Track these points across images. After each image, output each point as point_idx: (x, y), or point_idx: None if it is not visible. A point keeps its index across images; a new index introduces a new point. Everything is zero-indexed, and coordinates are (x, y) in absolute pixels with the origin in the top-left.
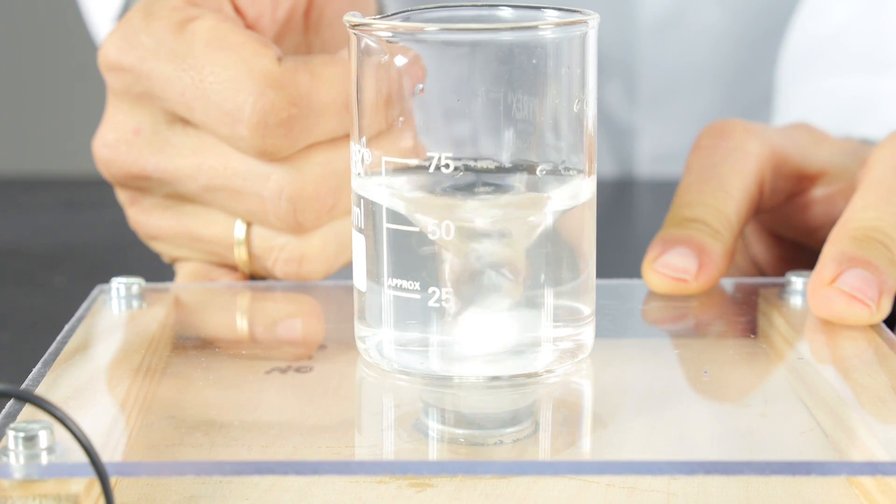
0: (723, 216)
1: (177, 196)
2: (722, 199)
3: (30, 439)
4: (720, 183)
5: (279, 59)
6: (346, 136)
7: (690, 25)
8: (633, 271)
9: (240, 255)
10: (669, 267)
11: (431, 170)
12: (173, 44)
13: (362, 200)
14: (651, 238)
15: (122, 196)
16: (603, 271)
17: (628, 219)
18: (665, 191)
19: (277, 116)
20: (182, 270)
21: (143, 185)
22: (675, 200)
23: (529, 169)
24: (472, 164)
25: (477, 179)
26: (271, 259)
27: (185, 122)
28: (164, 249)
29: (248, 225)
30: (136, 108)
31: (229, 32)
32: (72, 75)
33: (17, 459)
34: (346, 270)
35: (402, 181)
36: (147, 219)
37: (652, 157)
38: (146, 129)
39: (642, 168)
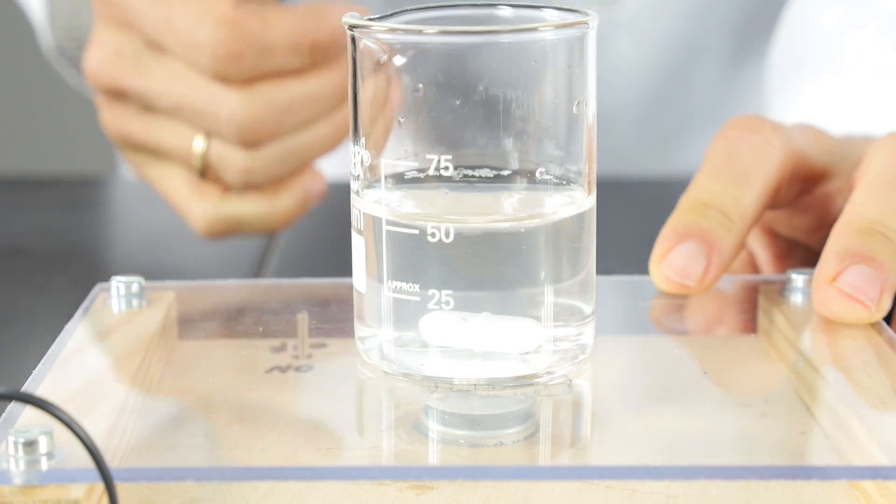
0: (740, 206)
1: (148, 109)
2: (743, 189)
3: (29, 444)
4: (743, 172)
5: (236, 4)
6: (293, 72)
7: (604, 59)
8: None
9: (197, 164)
10: (675, 270)
11: (431, 172)
12: None
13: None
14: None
15: (101, 100)
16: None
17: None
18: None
19: (228, 50)
20: (171, 183)
21: (120, 96)
22: (693, 185)
23: (529, 170)
24: (471, 165)
25: (476, 181)
26: (223, 168)
27: (159, 49)
28: (133, 159)
29: (207, 139)
30: (119, 33)
31: None
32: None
33: (16, 465)
34: (347, 270)
35: (400, 184)
36: (122, 122)
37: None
38: (127, 52)
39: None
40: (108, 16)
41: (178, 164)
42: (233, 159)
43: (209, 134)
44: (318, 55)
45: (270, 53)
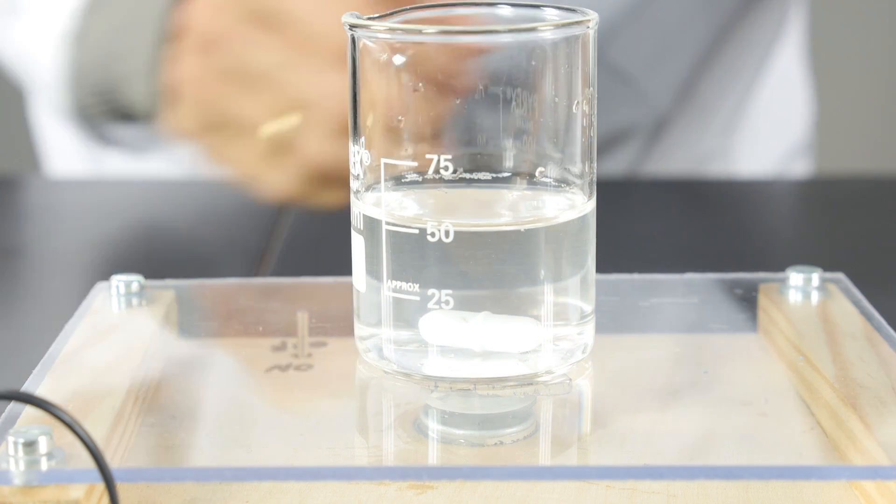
0: None
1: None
2: None
3: (29, 445)
4: None
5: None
6: None
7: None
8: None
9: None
10: None
11: (430, 172)
12: None
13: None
14: (656, 237)
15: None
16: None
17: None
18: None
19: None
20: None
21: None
22: None
23: (529, 170)
24: (471, 165)
25: (476, 181)
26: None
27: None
28: (212, 142)
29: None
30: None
31: None
32: None
33: (16, 465)
34: (346, 269)
35: (400, 183)
36: (213, 98)
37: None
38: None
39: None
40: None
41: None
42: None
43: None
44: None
45: None
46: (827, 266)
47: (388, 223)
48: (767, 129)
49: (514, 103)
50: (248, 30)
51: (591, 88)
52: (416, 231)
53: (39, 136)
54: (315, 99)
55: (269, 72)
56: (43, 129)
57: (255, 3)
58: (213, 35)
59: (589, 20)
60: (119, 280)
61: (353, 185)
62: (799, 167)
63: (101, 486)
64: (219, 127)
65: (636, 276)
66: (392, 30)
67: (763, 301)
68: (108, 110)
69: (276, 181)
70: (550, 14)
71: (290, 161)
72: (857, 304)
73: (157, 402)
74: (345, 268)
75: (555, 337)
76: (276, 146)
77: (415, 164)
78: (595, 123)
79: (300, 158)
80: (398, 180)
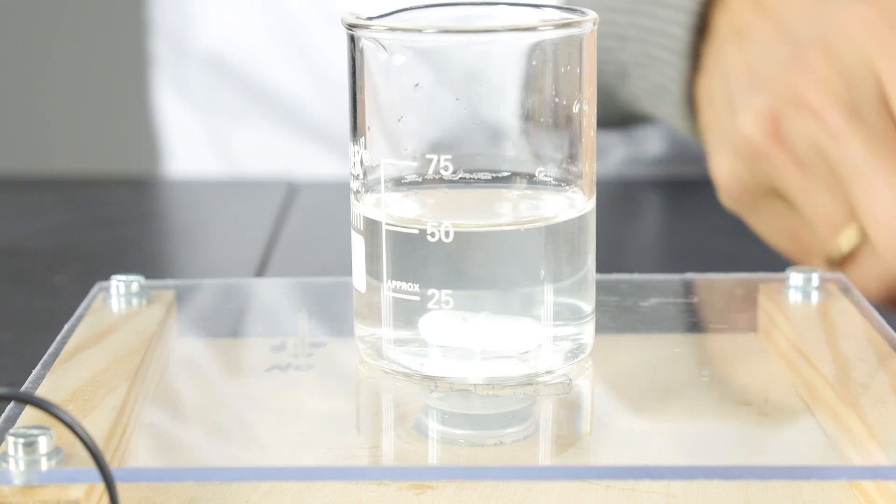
0: None
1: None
2: None
3: (29, 445)
4: None
5: None
6: None
7: None
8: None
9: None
10: None
11: (430, 172)
12: None
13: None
14: (656, 237)
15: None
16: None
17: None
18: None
19: None
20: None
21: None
22: None
23: (529, 170)
24: (471, 165)
25: (476, 181)
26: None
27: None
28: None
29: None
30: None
31: None
32: (72, 75)
33: (16, 465)
34: (346, 269)
35: (400, 183)
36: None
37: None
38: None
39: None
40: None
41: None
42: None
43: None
44: None
45: None
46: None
47: (388, 223)
48: None
49: (513, 103)
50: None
51: (591, 88)
52: (416, 231)
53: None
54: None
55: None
56: None
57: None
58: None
59: (589, 20)
60: (119, 280)
61: (353, 185)
62: None
63: (101, 486)
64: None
65: (636, 276)
66: (391, 29)
67: (763, 301)
68: None
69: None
70: (550, 14)
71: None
72: (857, 304)
73: (157, 402)
74: (345, 268)
75: (555, 337)
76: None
77: (415, 163)
78: (595, 124)
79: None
80: (398, 180)
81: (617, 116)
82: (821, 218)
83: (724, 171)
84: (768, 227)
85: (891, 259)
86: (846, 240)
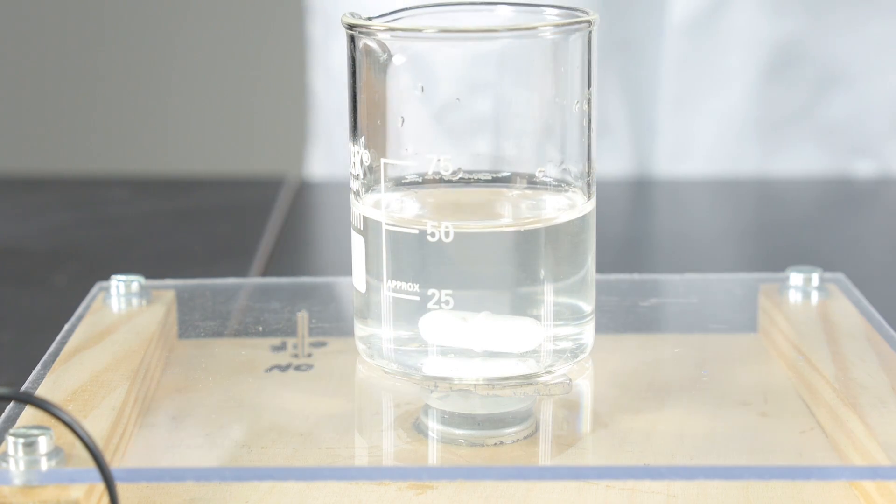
0: None
1: None
2: None
3: (29, 445)
4: None
5: None
6: None
7: (722, 25)
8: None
9: None
10: None
11: (431, 171)
12: None
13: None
14: (667, 237)
15: None
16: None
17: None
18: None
19: None
20: None
21: None
22: None
23: (529, 170)
24: (471, 165)
25: (476, 181)
26: None
27: None
28: None
29: None
30: None
31: None
32: (72, 74)
33: (16, 465)
34: (346, 269)
35: (400, 183)
36: None
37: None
38: None
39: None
40: None
41: None
42: None
43: None
44: None
45: None
46: (827, 266)
47: (388, 223)
48: None
49: (514, 103)
50: None
51: (591, 88)
52: (416, 231)
53: None
54: None
55: None
56: None
57: None
58: None
59: (589, 20)
60: (119, 280)
61: (353, 185)
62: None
63: (101, 486)
64: None
65: (636, 276)
66: (391, 29)
67: (763, 301)
68: None
69: None
70: (551, 14)
71: None
72: (857, 304)
73: (157, 402)
74: (345, 268)
75: (555, 337)
76: None
77: (415, 163)
78: (596, 121)
79: None
80: (398, 180)
81: None
82: None
83: None
84: None
85: None
86: None
